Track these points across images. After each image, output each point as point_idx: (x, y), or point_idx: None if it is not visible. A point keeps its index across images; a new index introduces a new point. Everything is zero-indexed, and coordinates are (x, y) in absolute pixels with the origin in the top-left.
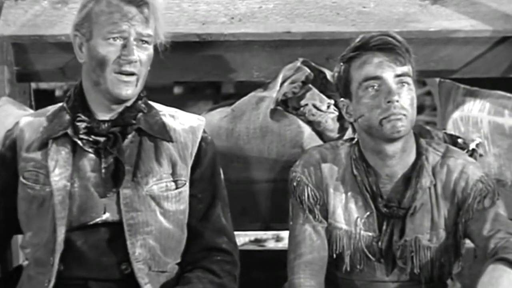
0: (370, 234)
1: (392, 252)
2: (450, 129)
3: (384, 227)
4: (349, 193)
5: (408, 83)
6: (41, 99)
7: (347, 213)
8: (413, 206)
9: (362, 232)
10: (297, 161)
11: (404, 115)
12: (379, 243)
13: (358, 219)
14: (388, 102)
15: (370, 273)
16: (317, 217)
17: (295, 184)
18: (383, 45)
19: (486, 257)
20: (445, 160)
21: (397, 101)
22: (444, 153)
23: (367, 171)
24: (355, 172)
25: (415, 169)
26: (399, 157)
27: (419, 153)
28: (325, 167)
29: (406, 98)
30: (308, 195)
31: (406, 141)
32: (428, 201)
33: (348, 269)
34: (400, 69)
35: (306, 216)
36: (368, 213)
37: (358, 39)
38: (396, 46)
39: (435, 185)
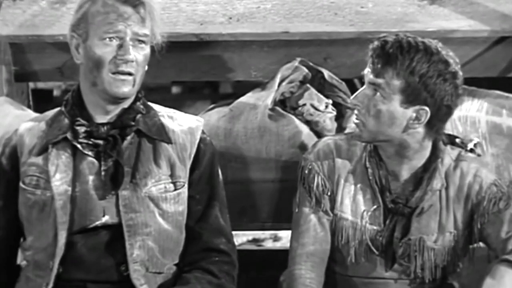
0: (375, 227)
1: (392, 248)
2: (448, 129)
3: (387, 222)
4: (359, 185)
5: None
6: (39, 99)
7: (355, 205)
8: (420, 206)
9: (367, 225)
10: (309, 148)
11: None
12: (381, 238)
13: (365, 212)
14: None
15: (371, 268)
16: (323, 207)
17: (306, 171)
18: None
19: None
20: (457, 163)
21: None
22: (457, 157)
23: (379, 164)
24: (367, 164)
25: (429, 171)
26: (400, 159)
27: (436, 156)
28: (339, 157)
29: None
30: (317, 183)
31: (402, 147)
32: (437, 203)
33: (353, 260)
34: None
35: (312, 206)
36: (375, 206)
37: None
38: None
39: (446, 188)
